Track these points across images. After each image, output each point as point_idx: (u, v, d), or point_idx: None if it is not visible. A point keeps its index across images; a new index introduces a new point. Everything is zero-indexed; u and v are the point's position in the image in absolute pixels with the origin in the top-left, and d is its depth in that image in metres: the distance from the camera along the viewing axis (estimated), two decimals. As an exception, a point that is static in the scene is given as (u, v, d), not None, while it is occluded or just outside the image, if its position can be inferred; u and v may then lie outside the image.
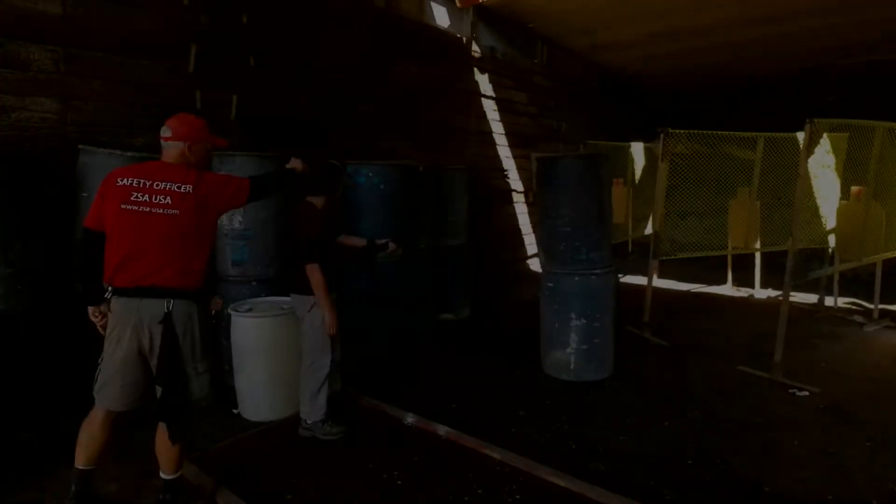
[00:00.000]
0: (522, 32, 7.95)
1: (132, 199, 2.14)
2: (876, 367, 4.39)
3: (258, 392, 3.37)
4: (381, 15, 5.56)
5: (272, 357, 3.34)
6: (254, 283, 3.86)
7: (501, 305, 6.47)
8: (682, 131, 5.01)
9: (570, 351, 3.95)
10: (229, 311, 3.40)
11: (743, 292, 6.92)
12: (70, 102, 3.46)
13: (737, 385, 4.04)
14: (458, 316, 5.77)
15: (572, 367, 3.98)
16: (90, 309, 2.25)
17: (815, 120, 3.76)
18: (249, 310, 3.40)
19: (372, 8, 5.48)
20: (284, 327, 3.34)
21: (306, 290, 3.06)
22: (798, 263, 4.11)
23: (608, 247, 3.99)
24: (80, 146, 3.24)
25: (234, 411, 3.49)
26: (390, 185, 4.63)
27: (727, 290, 7.08)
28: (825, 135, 5.45)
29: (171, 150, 2.30)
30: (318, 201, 3.11)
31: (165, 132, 2.30)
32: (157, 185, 2.17)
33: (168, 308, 2.15)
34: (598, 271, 3.88)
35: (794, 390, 3.90)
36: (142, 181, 2.18)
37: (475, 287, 6.46)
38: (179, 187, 2.19)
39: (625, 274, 7.91)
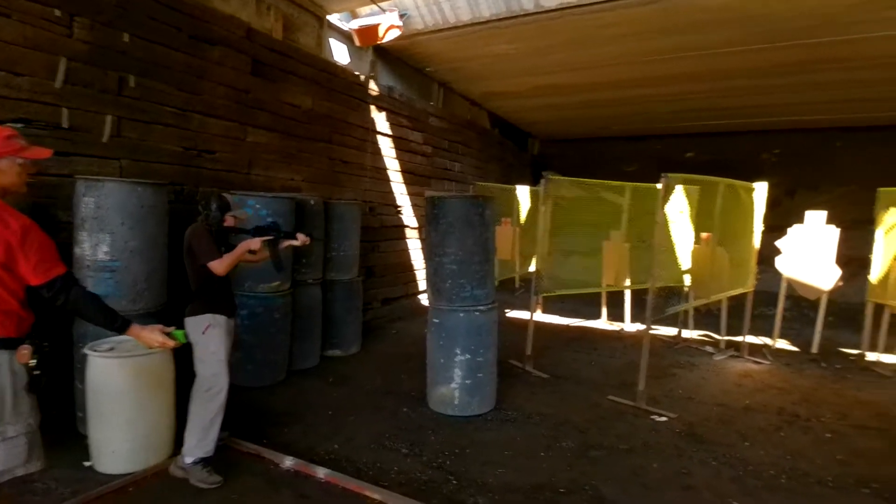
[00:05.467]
0: (420, 76, 8.26)
1: None
2: (723, 393, 4.94)
3: (116, 441, 3.05)
4: (277, 46, 5.51)
5: (135, 401, 3.06)
6: (119, 319, 3.55)
7: (393, 341, 6.46)
8: (561, 177, 5.45)
9: (454, 386, 4.03)
10: (85, 351, 3.09)
11: (616, 326, 7.51)
12: None
13: (608, 413, 4.35)
14: (346, 352, 5.68)
15: (457, 402, 4.06)
16: None
17: (669, 175, 4.28)
18: (111, 349, 3.11)
19: (268, 39, 5.42)
20: (151, 367, 3.10)
21: (199, 310, 3.02)
22: (659, 300, 4.57)
23: (492, 284, 4.17)
24: None
25: (86, 464, 3.13)
26: (279, 218, 4.52)
27: (602, 324, 7.65)
28: (681, 187, 6.20)
29: None
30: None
31: None
32: None
33: None
34: (482, 308, 4.04)
35: (655, 416, 4.28)
36: None
37: (366, 322, 6.42)
38: None
39: (512, 309, 8.29)
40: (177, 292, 4.06)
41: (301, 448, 3.48)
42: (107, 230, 3.41)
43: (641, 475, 3.35)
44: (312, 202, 5.11)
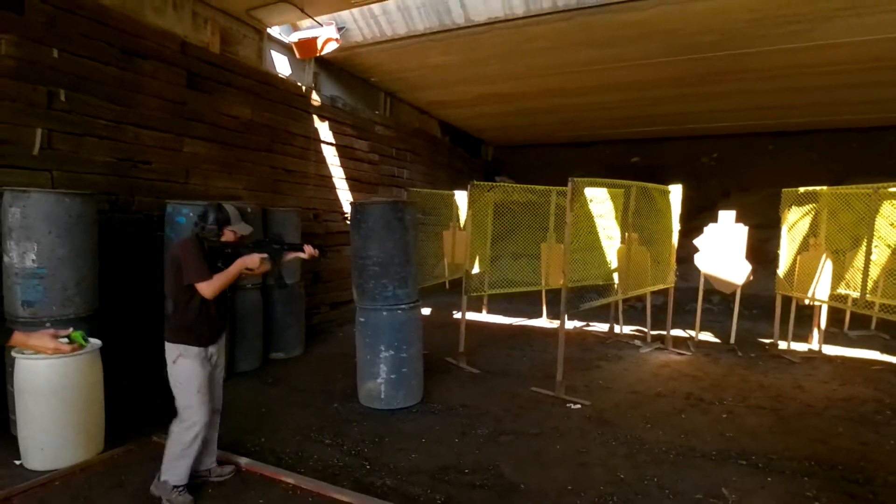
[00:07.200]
0: (365, 85, 8.52)
1: None
2: (638, 382, 5.31)
3: (42, 438, 3.21)
4: (213, 59, 5.69)
5: (60, 401, 3.22)
6: (48, 324, 3.68)
7: (337, 344, 6.67)
8: (485, 183, 5.77)
9: (380, 381, 4.29)
10: (13, 354, 3.24)
11: (555, 324, 7.87)
12: None
13: (527, 402, 4.66)
14: (289, 354, 5.88)
15: (383, 395, 4.31)
16: None
17: (575, 179, 4.63)
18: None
19: (204, 52, 5.60)
20: (75, 369, 3.26)
21: (171, 337, 2.87)
22: (571, 296, 4.91)
23: (414, 284, 4.44)
24: None
25: (17, 462, 3.28)
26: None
27: (543, 322, 8.01)
28: (605, 190, 6.62)
29: None
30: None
31: None
32: None
33: None
34: (403, 306, 4.31)
35: (571, 404, 4.61)
36: None
37: (313, 326, 6.62)
38: None
39: (459, 310, 8.58)
40: (110, 298, 4.23)
41: (226, 442, 3.66)
42: (34, 239, 3.55)
43: (543, 455, 3.66)
44: (249, 209, 5.29)
